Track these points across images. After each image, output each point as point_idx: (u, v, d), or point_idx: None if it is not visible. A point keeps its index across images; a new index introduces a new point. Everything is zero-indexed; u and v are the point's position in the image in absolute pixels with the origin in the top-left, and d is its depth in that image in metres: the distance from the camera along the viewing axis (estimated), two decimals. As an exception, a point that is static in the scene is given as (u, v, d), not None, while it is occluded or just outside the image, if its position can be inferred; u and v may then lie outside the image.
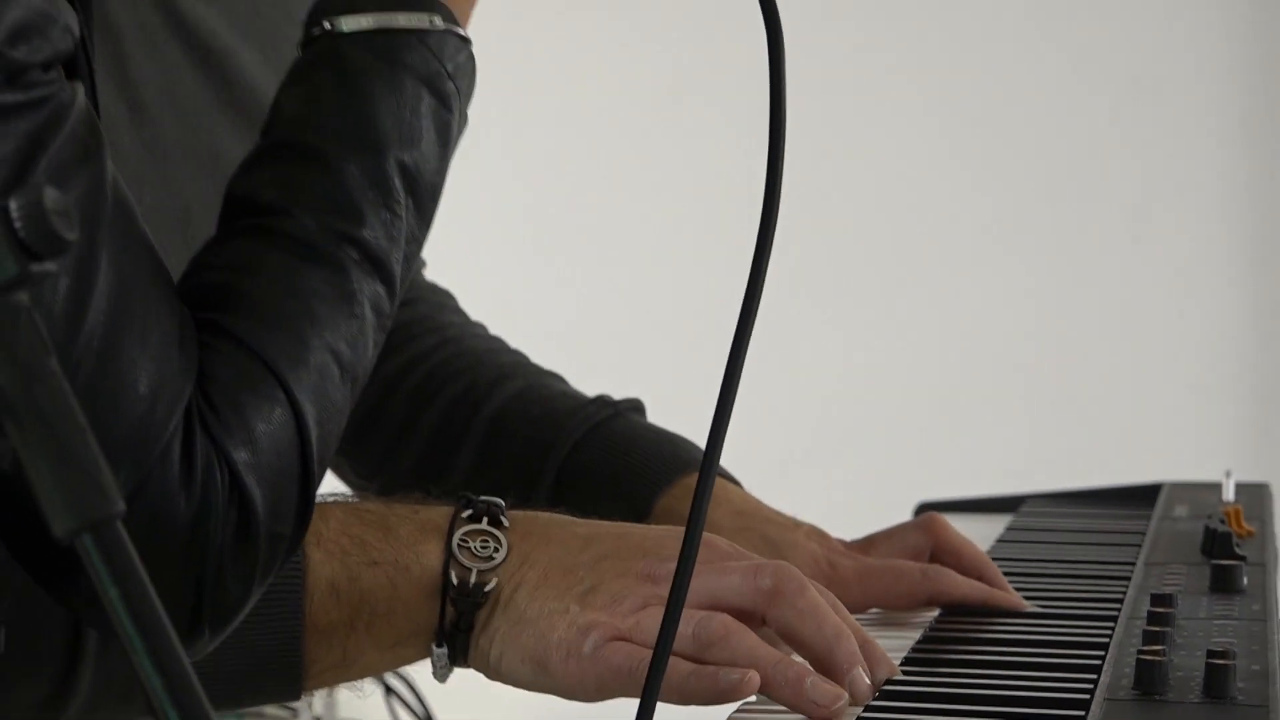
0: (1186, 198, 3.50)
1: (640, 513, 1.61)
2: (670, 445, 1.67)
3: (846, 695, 1.23)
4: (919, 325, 3.54)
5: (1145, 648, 1.27)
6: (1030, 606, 1.57)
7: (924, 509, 2.12)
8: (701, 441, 1.57)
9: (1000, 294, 3.52)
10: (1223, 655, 1.23)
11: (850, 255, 3.55)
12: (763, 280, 1.19)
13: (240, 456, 1.10)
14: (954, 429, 3.47)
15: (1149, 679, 1.22)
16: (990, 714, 1.27)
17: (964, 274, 3.52)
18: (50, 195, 0.84)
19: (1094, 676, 1.29)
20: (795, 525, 1.62)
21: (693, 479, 1.57)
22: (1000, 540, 1.92)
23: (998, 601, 1.56)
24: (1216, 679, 1.20)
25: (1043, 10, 3.62)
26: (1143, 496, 2.08)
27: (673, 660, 1.19)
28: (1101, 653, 1.35)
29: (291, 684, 1.32)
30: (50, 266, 0.85)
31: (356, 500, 1.41)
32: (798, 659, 1.27)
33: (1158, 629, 1.34)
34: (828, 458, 3.33)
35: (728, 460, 1.66)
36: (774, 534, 1.59)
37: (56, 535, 0.83)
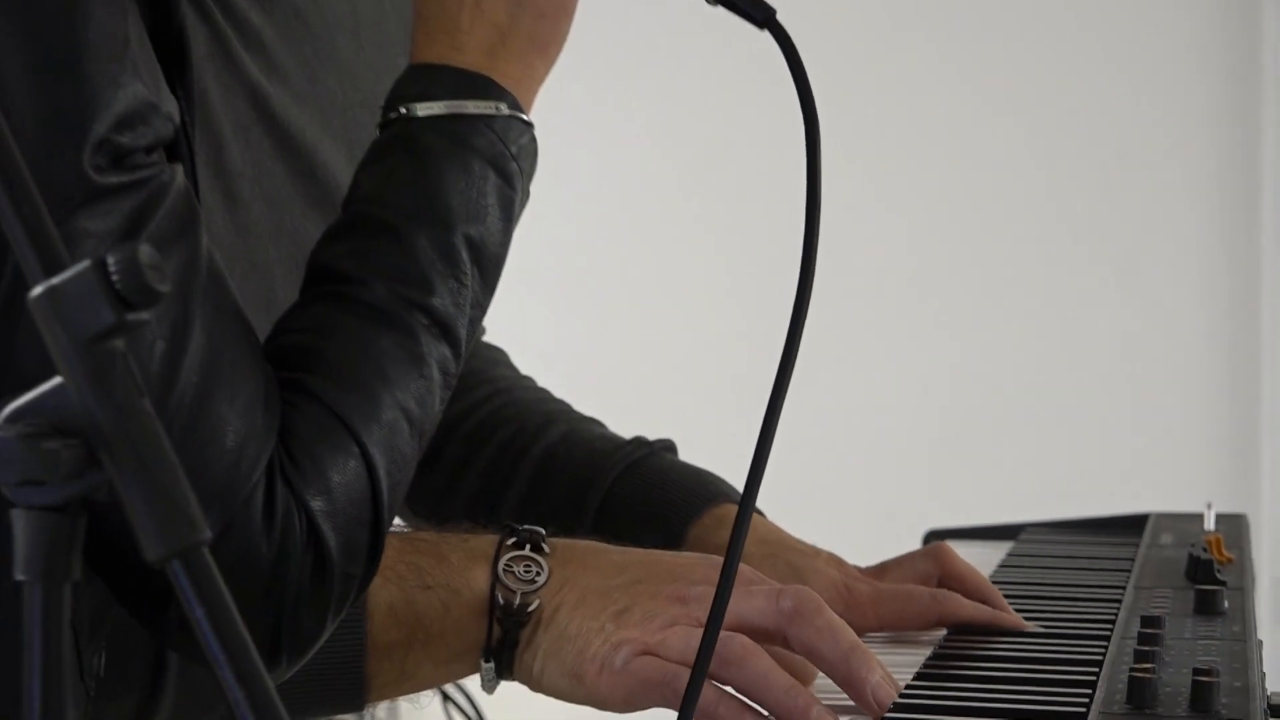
0: (1170, 259, 3.50)
1: (673, 540, 1.61)
2: (699, 479, 1.67)
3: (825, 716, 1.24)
4: (928, 371, 3.54)
5: (1137, 665, 1.27)
6: (1031, 627, 1.57)
7: (932, 537, 2.13)
8: (729, 477, 1.59)
9: (1002, 342, 3.52)
10: (1208, 673, 1.23)
11: (865, 306, 3.54)
12: (799, 341, 1.20)
13: (317, 505, 1.11)
14: (958, 464, 3.46)
15: (1140, 695, 1.23)
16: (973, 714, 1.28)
17: (969, 324, 3.52)
18: (145, 251, 0.85)
19: (1089, 691, 1.29)
20: (815, 552, 1.62)
21: (720, 509, 1.64)
22: (1001, 565, 1.91)
23: (1000, 623, 1.55)
24: (1202, 695, 1.21)
25: (1039, 75, 3.58)
26: (1131, 525, 2.08)
27: (683, 674, 1.21)
28: (1096, 669, 1.35)
29: (355, 697, 1.33)
30: (145, 316, 0.85)
31: (412, 531, 1.40)
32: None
33: (1148, 648, 1.34)
34: (844, 490, 3.33)
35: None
36: (796, 560, 1.59)
37: (149, 560, 0.84)
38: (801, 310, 1.21)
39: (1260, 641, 1.51)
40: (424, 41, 1.25)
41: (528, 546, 1.33)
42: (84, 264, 0.84)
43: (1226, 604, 1.56)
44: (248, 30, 1.36)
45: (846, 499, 2.98)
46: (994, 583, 1.73)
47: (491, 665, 1.31)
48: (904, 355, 3.54)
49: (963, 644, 1.52)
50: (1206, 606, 1.55)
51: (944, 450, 3.50)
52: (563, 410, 1.75)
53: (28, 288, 0.84)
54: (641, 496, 1.65)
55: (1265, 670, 1.43)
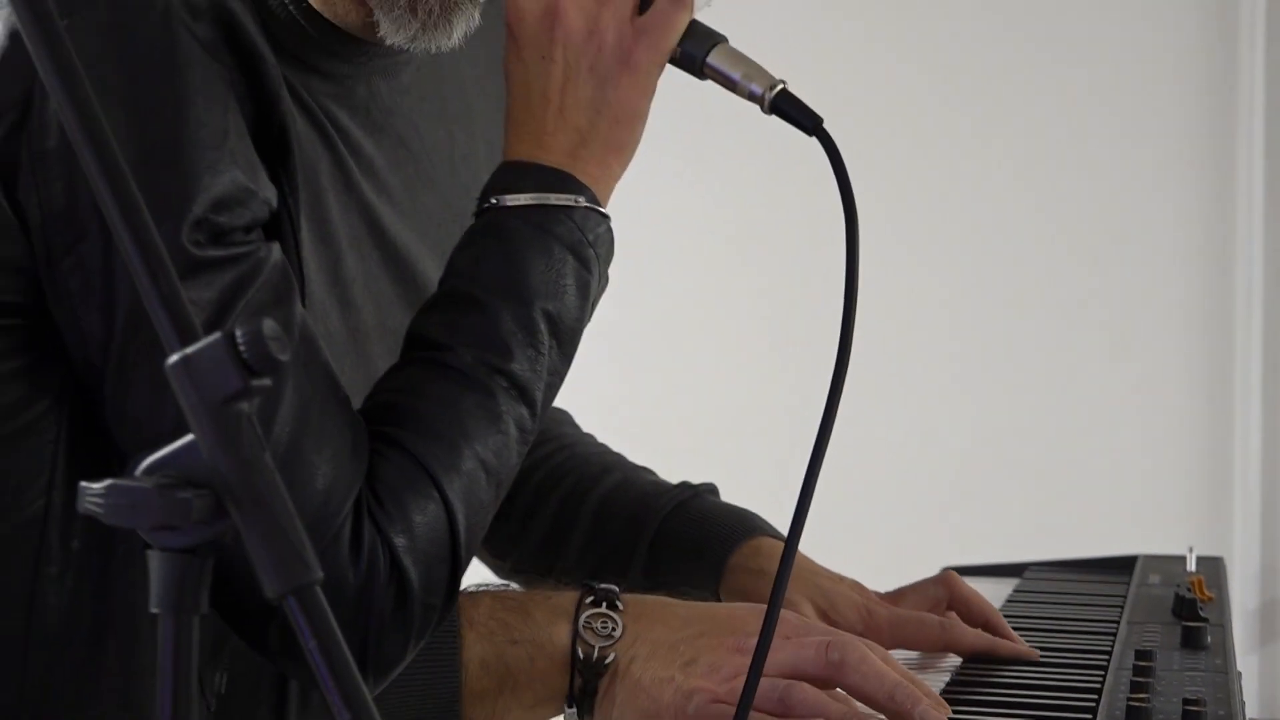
0: (1153, 327, 3.48)
1: (716, 570, 1.61)
2: (737, 516, 1.67)
3: None
4: (947, 432, 3.53)
5: (1133, 695, 1.27)
6: (1031, 653, 1.56)
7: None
8: (773, 518, 1.60)
9: (1008, 403, 3.50)
10: (1196, 703, 1.23)
11: (895, 382, 3.53)
12: (836, 409, 1.24)
13: (400, 542, 1.11)
14: (971, 511, 3.44)
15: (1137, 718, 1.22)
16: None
17: (982, 395, 3.51)
18: (268, 325, 0.84)
19: (1090, 717, 1.28)
20: (841, 579, 1.62)
21: (756, 541, 1.64)
22: (1009, 600, 1.91)
23: (998, 649, 1.55)
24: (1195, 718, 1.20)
25: (1031, 137, 3.56)
26: (1122, 566, 2.07)
27: (758, 718, 1.23)
28: (1096, 697, 1.34)
29: None
30: (267, 381, 0.86)
31: (502, 589, 1.41)
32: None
33: (1142, 679, 1.34)
34: (872, 532, 3.32)
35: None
36: (826, 586, 1.59)
37: (268, 597, 0.84)
38: (838, 386, 1.24)
39: (1240, 673, 1.50)
40: (514, 141, 1.26)
41: (604, 604, 1.32)
42: (215, 336, 0.85)
43: (1210, 639, 1.55)
44: (362, 157, 1.38)
45: (874, 540, 2.97)
46: (1004, 615, 1.71)
47: (574, 711, 1.31)
48: (926, 419, 3.53)
49: (976, 672, 1.51)
50: (1192, 641, 1.54)
51: (959, 498, 3.49)
52: (617, 461, 1.75)
53: (146, 339, 0.85)
54: (687, 533, 1.64)
55: (1245, 699, 1.44)
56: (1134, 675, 1.36)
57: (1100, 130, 3.51)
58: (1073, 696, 1.37)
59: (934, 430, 3.52)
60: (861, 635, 1.53)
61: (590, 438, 1.80)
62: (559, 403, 1.76)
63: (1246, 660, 3.34)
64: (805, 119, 1.24)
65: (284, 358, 0.86)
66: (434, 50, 1.35)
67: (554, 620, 1.32)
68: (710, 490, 1.71)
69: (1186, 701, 1.23)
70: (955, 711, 1.34)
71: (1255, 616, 3.37)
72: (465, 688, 1.31)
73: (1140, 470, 3.46)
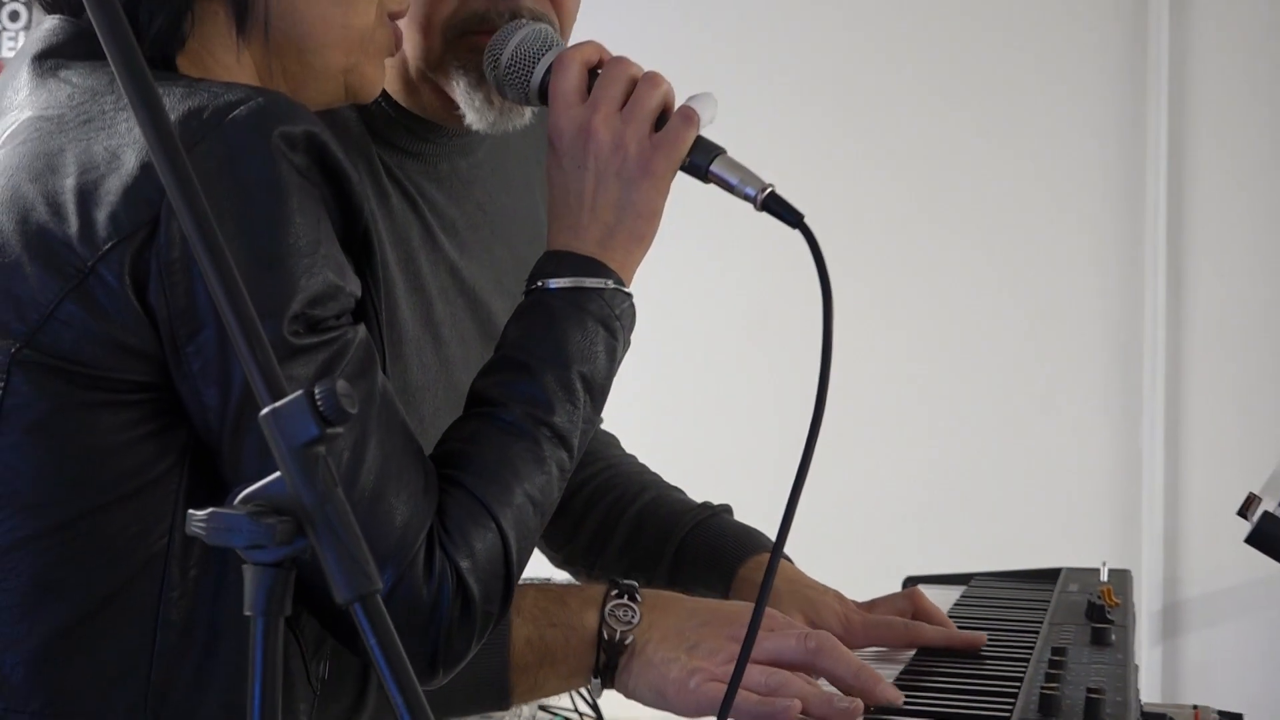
0: (1076, 390, 3.45)
1: (726, 579, 1.61)
2: (747, 534, 1.66)
3: (862, 706, 1.25)
4: (911, 466, 3.50)
5: (1046, 684, 1.25)
6: (984, 641, 1.56)
7: (909, 581, 2.13)
8: (768, 531, 1.60)
9: (960, 446, 3.48)
10: (1098, 691, 1.23)
11: (867, 425, 3.50)
12: (814, 447, 1.28)
13: (464, 564, 1.12)
14: (929, 530, 3.42)
15: (1048, 706, 1.22)
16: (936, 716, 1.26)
17: (937, 436, 3.48)
18: (340, 385, 0.86)
19: (1012, 702, 1.27)
20: (825, 591, 1.61)
21: (760, 557, 1.63)
22: (956, 604, 1.90)
23: (954, 639, 1.55)
24: (1092, 708, 1.20)
25: (981, 213, 3.52)
26: (1049, 576, 2.07)
27: (745, 695, 1.23)
28: (1018, 685, 1.32)
29: (502, 701, 1.34)
30: (339, 430, 0.86)
31: (545, 582, 1.43)
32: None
33: (1055, 671, 1.33)
34: (848, 548, 3.28)
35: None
36: (812, 596, 1.58)
37: (338, 603, 0.85)
38: (815, 430, 1.27)
39: (1136, 666, 1.49)
40: (554, 233, 1.27)
41: (626, 596, 1.33)
42: (298, 393, 0.86)
43: (1114, 638, 1.54)
44: (446, 221, 1.41)
45: (850, 554, 2.94)
46: (950, 615, 1.73)
47: (598, 681, 1.32)
48: (895, 455, 3.50)
49: (924, 663, 1.50)
50: (1099, 639, 1.53)
51: (920, 519, 3.46)
52: (653, 480, 1.74)
53: (255, 409, 0.85)
54: (704, 547, 1.64)
55: (1140, 687, 1.44)
56: (1049, 668, 1.35)
57: (1033, 213, 3.47)
58: (1000, 684, 1.36)
59: (901, 464, 3.50)
60: (840, 636, 1.52)
61: (632, 458, 1.81)
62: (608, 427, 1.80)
63: (1151, 652, 3.34)
64: (790, 215, 1.25)
65: (353, 411, 0.86)
66: (508, 132, 1.38)
67: (585, 608, 1.32)
68: (726, 510, 1.71)
69: (1090, 690, 1.23)
70: (906, 694, 1.32)
71: (1159, 617, 3.34)
72: (512, 661, 1.31)
73: (1066, 498, 3.44)
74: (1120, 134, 3.40)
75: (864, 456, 3.46)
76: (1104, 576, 1.98)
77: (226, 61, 1.14)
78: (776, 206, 1.25)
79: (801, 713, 1.24)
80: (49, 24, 1.13)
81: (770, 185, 1.26)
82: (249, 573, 0.87)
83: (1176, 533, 3.33)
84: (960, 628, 1.60)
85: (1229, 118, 3.37)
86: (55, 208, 1.03)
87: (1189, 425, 3.36)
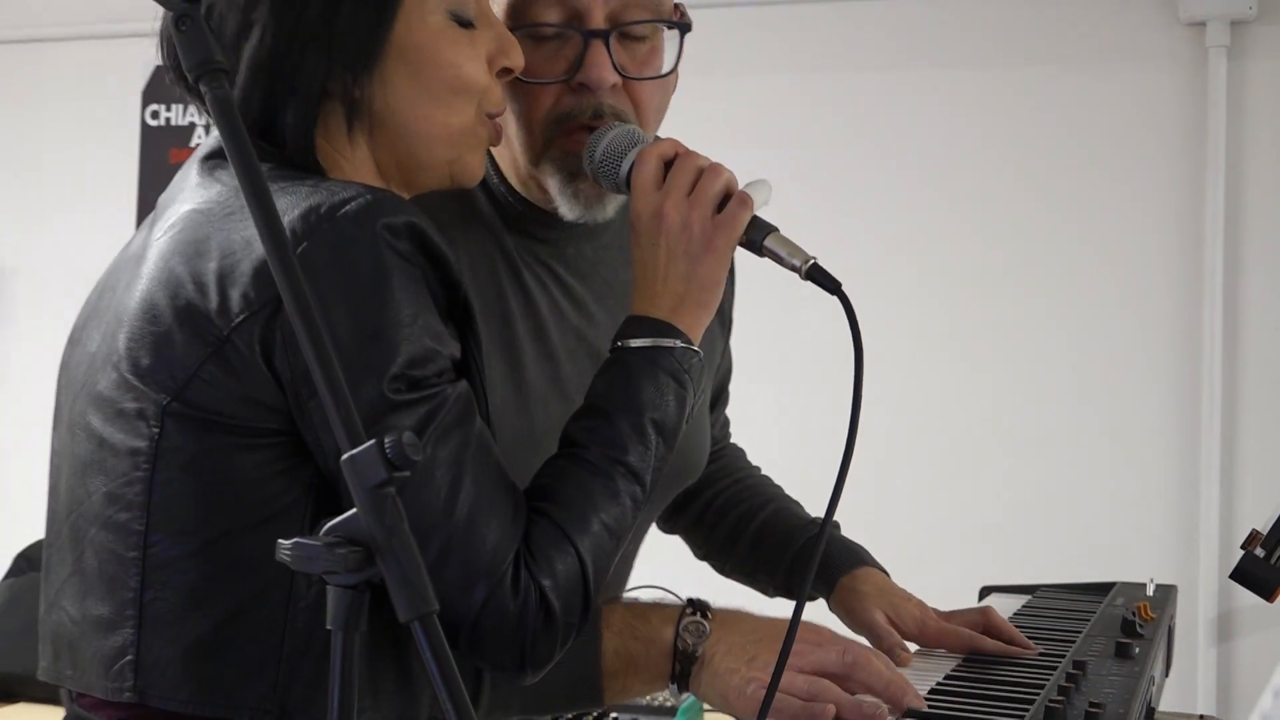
0: (1140, 423, 3.30)
1: (830, 587, 1.58)
2: (848, 549, 1.62)
3: (886, 711, 1.21)
4: (989, 490, 3.38)
5: (1053, 698, 1.18)
6: (1035, 649, 1.50)
7: (985, 590, 2.08)
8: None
9: (1041, 473, 3.35)
10: (1098, 705, 1.16)
11: (956, 450, 3.41)
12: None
13: (546, 583, 1.10)
14: (1005, 547, 3.30)
15: (1054, 717, 1.14)
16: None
17: (1020, 461, 3.36)
18: (407, 436, 0.85)
19: (1027, 709, 1.20)
20: (909, 597, 1.57)
21: (860, 570, 1.60)
22: (1017, 612, 1.82)
23: (1009, 650, 1.49)
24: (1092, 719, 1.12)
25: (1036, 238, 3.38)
26: (1104, 590, 1.97)
27: (789, 700, 1.22)
28: (1037, 693, 1.25)
29: (596, 700, 1.32)
30: (405, 474, 0.85)
31: (633, 601, 1.38)
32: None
33: (1067, 685, 1.26)
34: (935, 561, 3.19)
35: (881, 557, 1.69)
36: (896, 601, 1.54)
37: (401, 620, 0.83)
38: (841, 478, 1.23)
39: (1153, 677, 1.41)
40: (635, 300, 1.25)
41: (699, 614, 1.30)
42: (370, 442, 0.85)
43: (1136, 651, 1.46)
44: (574, 296, 1.39)
45: (936, 566, 2.85)
46: (1011, 620, 1.65)
47: (674, 686, 1.29)
48: (978, 483, 3.39)
49: (966, 669, 1.44)
50: (1123, 652, 1.45)
51: (1000, 535, 3.34)
52: (775, 494, 1.72)
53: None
54: (812, 554, 1.62)
55: (1154, 693, 1.36)
56: (1064, 680, 1.28)
57: (1102, 276, 3.34)
58: (1021, 691, 1.30)
59: (986, 488, 3.39)
60: (916, 639, 1.55)
61: (757, 470, 1.78)
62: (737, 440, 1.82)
63: (1206, 654, 3.19)
64: (830, 284, 1.23)
65: (417, 458, 0.86)
66: (597, 221, 1.35)
67: (664, 625, 1.29)
68: (835, 527, 1.67)
69: (1091, 704, 1.16)
70: (935, 699, 1.28)
71: (1214, 624, 3.19)
72: (604, 668, 1.29)
73: (1130, 515, 3.29)
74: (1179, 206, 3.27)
75: (954, 481, 3.38)
76: (1150, 591, 1.88)
77: (349, 155, 1.14)
78: (819, 276, 1.23)
79: (836, 716, 1.21)
80: (216, 132, 1.14)
81: (813, 258, 1.23)
82: (330, 593, 0.87)
83: (1231, 545, 3.17)
84: (1021, 629, 1.56)
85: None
86: (200, 286, 1.04)
87: (1241, 453, 3.22)
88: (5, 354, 3.57)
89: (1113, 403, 3.29)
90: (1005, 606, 1.91)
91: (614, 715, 2.72)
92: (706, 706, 1.36)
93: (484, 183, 1.35)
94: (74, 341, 1.15)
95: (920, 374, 3.40)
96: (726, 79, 3.49)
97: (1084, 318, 3.32)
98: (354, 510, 0.85)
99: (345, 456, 0.84)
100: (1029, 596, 2.01)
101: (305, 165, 1.12)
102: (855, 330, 1.20)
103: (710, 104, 3.53)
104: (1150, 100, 3.27)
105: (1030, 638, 1.57)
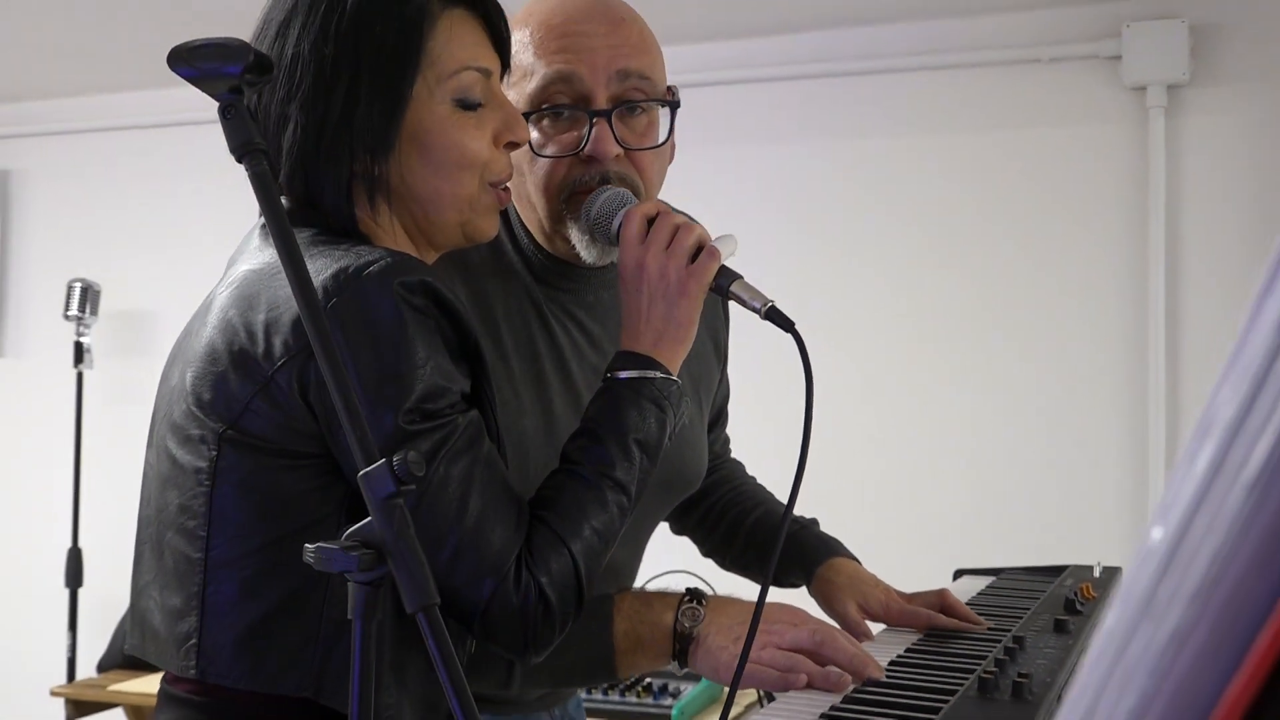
0: (1092, 427, 3.23)
1: (809, 576, 1.56)
2: (826, 542, 1.60)
3: (849, 679, 1.20)
4: (957, 483, 3.32)
5: (989, 669, 1.14)
6: (986, 625, 1.47)
7: (958, 573, 2.03)
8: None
9: (1005, 467, 3.28)
10: (1025, 676, 1.11)
11: (929, 447, 3.36)
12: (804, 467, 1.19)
13: (543, 580, 1.08)
14: (974, 533, 3.24)
15: (984, 687, 1.11)
16: (900, 690, 1.16)
17: (981, 458, 3.29)
18: (412, 455, 0.85)
19: (967, 678, 1.16)
20: (876, 584, 1.53)
21: (835, 559, 1.58)
22: (980, 592, 1.76)
23: (962, 626, 1.46)
24: (1018, 689, 1.09)
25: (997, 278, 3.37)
26: (1058, 572, 1.90)
27: (769, 671, 1.21)
28: (978, 664, 1.21)
29: (610, 676, 1.30)
30: (411, 487, 0.85)
31: (640, 591, 1.36)
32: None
33: (1003, 657, 1.22)
34: (908, 545, 3.13)
35: (851, 541, 1.66)
36: (865, 589, 1.51)
37: (407, 612, 0.83)
38: (795, 491, 1.20)
39: (1085, 650, 1.35)
40: (623, 336, 1.23)
41: (695, 601, 1.29)
42: (381, 461, 0.85)
43: (1072, 627, 1.41)
44: (594, 338, 1.38)
45: (909, 550, 2.80)
46: (974, 599, 1.64)
47: (675, 662, 1.28)
48: (949, 478, 3.33)
49: (925, 644, 1.40)
50: (1061, 628, 1.40)
51: (966, 524, 3.28)
52: (765, 499, 1.69)
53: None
54: (795, 551, 1.59)
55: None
56: (1001, 654, 1.23)
57: (1059, 308, 3.28)
58: (965, 663, 1.26)
59: (955, 481, 3.33)
60: (883, 619, 1.53)
61: (753, 479, 1.75)
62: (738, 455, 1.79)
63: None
64: (784, 323, 1.20)
65: (420, 473, 0.85)
66: (613, 262, 1.33)
67: (665, 611, 1.28)
68: (815, 523, 1.65)
69: (1020, 674, 1.12)
70: (893, 670, 1.25)
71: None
72: (615, 649, 1.28)
73: (1086, 506, 3.20)
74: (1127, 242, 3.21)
75: (935, 477, 3.33)
76: (1096, 573, 1.82)
77: (380, 222, 1.14)
78: (775, 317, 1.20)
79: (807, 684, 1.20)
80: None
81: (771, 301, 1.21)
82: (350, 588, 0.86)
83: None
84: (981, 611, 1.51)
85: (1214, 232, 3.14)
86: (250, 334, 1.04)
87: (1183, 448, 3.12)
88: (152, 384, 3.60)
89: (1072, 409, 3.24)
90: (973, 586, 1.87)
91: (648, 680, 2.73)
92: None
93: (515, 242, 1.35)
94: (163, 377, 1.16)
95: (906, 388, 3.37)
96: (745, 145, 3.48)
97: (1046, 337, 3.27)
98: (369, 519, 0.85)
99: (361, 473, 0.84)
100: (994, 578, 1.97)
101: (349, 232, 1.11)
102: (806, 362, 1.18)
103: (732, 165, 3.54)
104: (1100, 153, 3.24)
105: (988, 615, 1.53)
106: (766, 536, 1.62)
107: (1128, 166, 3.21)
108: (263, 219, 1.15)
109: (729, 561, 1.67)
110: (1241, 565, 0.21)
